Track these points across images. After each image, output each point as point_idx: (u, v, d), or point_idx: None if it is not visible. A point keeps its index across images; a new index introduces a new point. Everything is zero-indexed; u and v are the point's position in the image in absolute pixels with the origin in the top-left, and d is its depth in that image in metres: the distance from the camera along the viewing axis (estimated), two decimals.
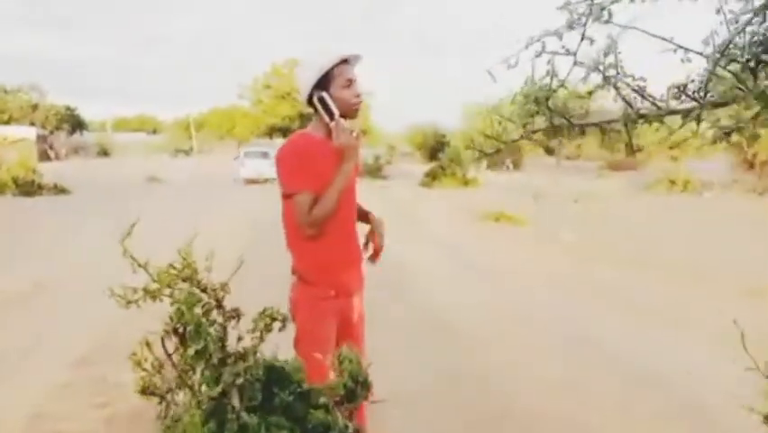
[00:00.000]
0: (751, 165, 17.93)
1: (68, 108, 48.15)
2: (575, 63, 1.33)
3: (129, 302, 1.20)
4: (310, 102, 2.17)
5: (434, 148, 33.66)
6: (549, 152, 43.06)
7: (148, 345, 1.25)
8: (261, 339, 1.20)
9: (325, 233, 2.14)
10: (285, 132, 47.79)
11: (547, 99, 1.37)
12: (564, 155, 41.80)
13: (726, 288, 6.41)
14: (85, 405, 3.42)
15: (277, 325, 1.26)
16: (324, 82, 2.14)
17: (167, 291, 1.24)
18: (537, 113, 1.45)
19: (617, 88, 1.45)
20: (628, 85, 1.53)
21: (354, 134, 2.18)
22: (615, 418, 3.34)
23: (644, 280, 6.87)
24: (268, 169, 19.99)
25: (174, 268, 1.24)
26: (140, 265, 1.23)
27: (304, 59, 2.26)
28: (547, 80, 1.49)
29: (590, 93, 1.55)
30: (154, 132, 78.29)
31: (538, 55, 1.30)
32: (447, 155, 21.61)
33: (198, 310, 1.20)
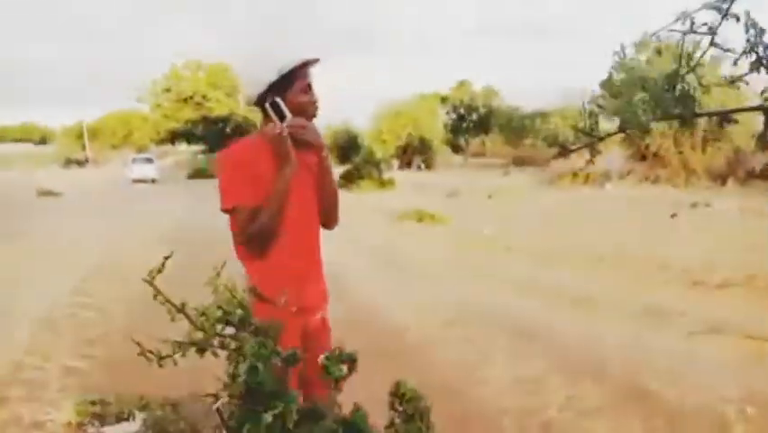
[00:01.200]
0: (643, 156, 19.34)
1: None
2: (712, 43, 1.21)
3: (162, 358, 1.04)
4: (259, 104, 2.01)
5: (347, 149, 33.61)
6: (456, 150, 44.39)
7: None
8: (338, 389, 1.06)
9: (280, 245, 1.99)
10: (188, 137, 45.91)
11: (674, 86, 1.26)
12: (470, 153, 43.22)
13: (642, 269, 6.89)
14: None
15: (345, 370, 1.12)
16: (281, 85, 1.97)
17: (215, 341, 1.07)
18: (658, 102, 1.32)
19: None
20: None
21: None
22: (565, 403, 3.47)
23: (566, 269, 7.22)
24: (151, 172, 28.96)
25: (221, 308, 1.07)
26: (178, 309, 1.06)
27: (255, 56, 2.08)
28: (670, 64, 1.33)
29: (735, 80, 1.41)
30: (42, 142, 72.62)
31: (687, 33, 1.17)
32: (361, 156, 21.65)
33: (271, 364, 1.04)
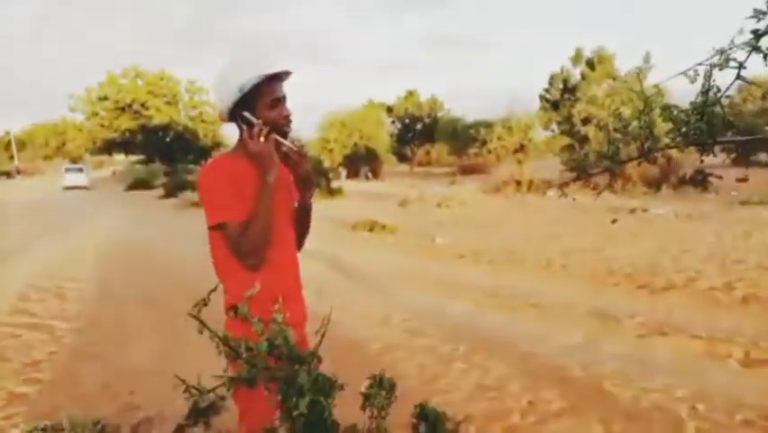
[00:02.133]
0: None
1: None
2: (738, 77, 1.22)
3: (207, 392, 0.97)
4: (233, 120, 1.99)
5: None
6: (402, 159, 44.80)
7: None
8: (382, 417, 1.02)
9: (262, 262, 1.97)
10: (126, 147, 44.44)
11: (701, 116, 1.27)
12: (416, 162, 43.71)
13: (590, 273, 7.12)
14: None
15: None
16: (248, 101, 1.95)
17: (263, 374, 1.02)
18: (679, 130, 1.32)
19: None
20: None
21: (297, 147, 2.05)
22: (527, 407, 3.54)
23: (518, 274, 7.39)
24: (82, 180, 33.54)
25: (269, 341, 1.01)
26: (224, 342, 0.99)
27: (220, 73, 2.02)
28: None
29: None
30: None
31: (721, 68, 1.18)
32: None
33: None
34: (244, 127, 1.95)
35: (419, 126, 42.89)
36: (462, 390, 3.89)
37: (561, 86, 27.76)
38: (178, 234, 12.38)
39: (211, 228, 1.95)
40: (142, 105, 40.89)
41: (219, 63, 2.06)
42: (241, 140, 2.00)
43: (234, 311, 1.97)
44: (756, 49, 1.11)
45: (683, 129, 1.29)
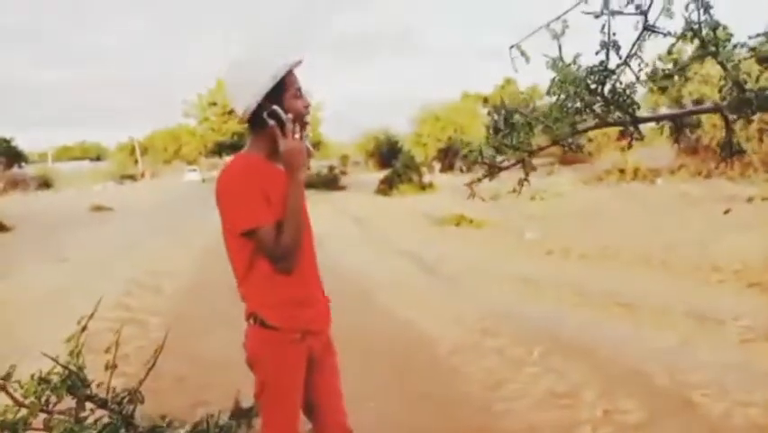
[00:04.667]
0: (695, 150, 18.47)
1: (3, 140, 45.89)
2: (645, 28, 1.00)
3: None
4: (251, 118, 1.88)
5: (387, 155, 33.54)
6: (499, 151, 43.60)
7: None
8: None
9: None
10: (235, 149, 46.89)
11: (602, 84, 1.05)
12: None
13: (693, 270, 6.50)
14: None
15: None
16: (274, 92, 1.84)
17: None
18: (585, 107, 1.12)
19: (721, 63, 1.07)
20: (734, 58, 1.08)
21: (306, 144, 1.91)
22: (602, 418, 3.24)
23: (611, 272, 6.89)
24: (197, 177, 45.78)
25: (46, 380, 0.91)
26: None
27: (240, 64, 1.93)
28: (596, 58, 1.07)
29: (671, 74, 1.19)
30: (98, 159, 75.61)
31: (598, 16, 0.98)
32: (401, 161, 21.49)
33: None
34: (272, 123, 1.84)
35: (517, 117, 41.62)
36: (531, 396, 3.63)
37: (670, 65, 25.61)
38: None
39: (236, 235, 1.85)
40: None
41: (230, 61, 1.98)
42: (258, 138, 1.91)
43: (254, 319, 1.94)
44: None
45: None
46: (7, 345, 5.29)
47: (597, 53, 1.01)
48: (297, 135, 1.86)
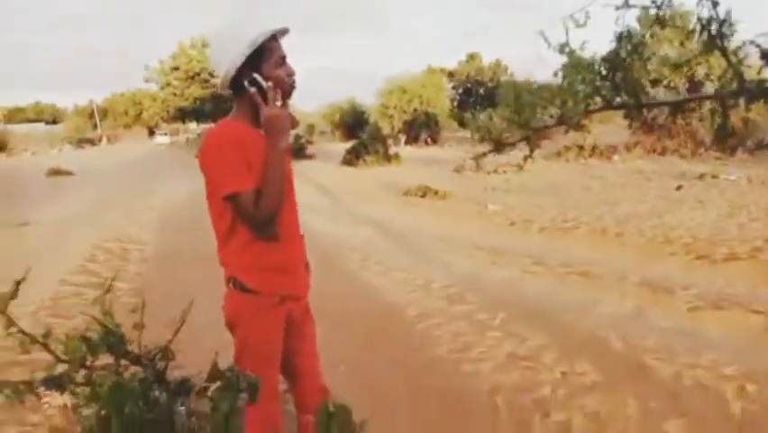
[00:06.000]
0: (650, 128, 19.01)
1: None
2: (657, 20, 1.07)
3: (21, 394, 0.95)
4: (234, 84, 1.90)
5: (354, 125, 33.36)
6: (462, 124, 43.86)
7: None
8: (229, 426, 0.96)
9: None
10: (197, 114, 45.80)
11: (614, 71, 1.12)
12: (476, 127, 42.64)
13: (646, 242, 6.80)
14: None
15: (243, 399, 1.02)
16: (254, 60, 1.86)
17: (80, 375, 0.98)
18: (597, 90, 1.19)
19: (726, 55, 1.14)
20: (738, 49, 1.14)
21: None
22: (560, 379, 3.44)
23: (569, 243, 7.15)
24: (167, 140, 46.93)
25: (87, 338, 0.98)
26: (35, 340, 0.97)
27: (221, 32, 1.95)
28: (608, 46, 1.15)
29: (689, 62, 1.26)
30: (54, 122, 72.77)
31: (618, 8, 1.03)
32: (368, 132, 21.44)
33: (134, 408, 0.95)
34: (252, 91, 1.86)
35: (481, 91, 41.80)
36: (494, 359, 3.82)
37: (628, 46, 26.02)
38: None
39: (216, 198, 1.88)
40: (210, 74, 41.90)
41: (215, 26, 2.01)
42: (241, 105, 1.93)
43: (234, 283, 1.97)
44: None
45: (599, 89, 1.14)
46: None
47: (611, 42, 1.10)
48: (278, 103, 1.87)
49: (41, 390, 0.94)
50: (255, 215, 1.83)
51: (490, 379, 3.52)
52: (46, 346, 0.93)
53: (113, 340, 0.97)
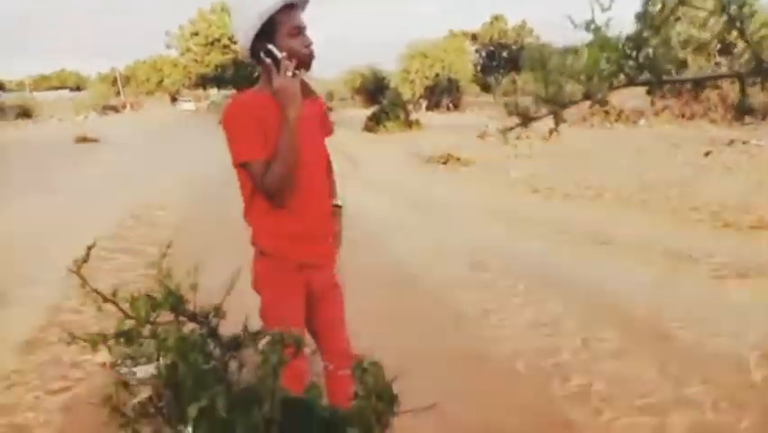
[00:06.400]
0: (679, 92, 18.56)
1: None
2: (680, 1, 1.08)
3: (96, 344, 1.04)
4: (255, 56, 1.92)
5: (374, 91, 33.09)
6: (485, 89, 43.29)
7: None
8: (275, 376, 1.02)
9: (290, 199, 1.95)
10: (218, 81, 45.81)
11: (638, 50, 1.13)
12: (501, 91, 42.10)
13: (672, 209, 6.73)
14: None
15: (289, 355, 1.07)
16: (267, 31, 1.87)
17: (146, 330, 1.06)
18: (621, 68, 1.20)
19: (744, 36, 1.14)
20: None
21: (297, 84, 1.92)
22: (580, 345, 3.49)
23: (593, 210, 7.11)
24: (192, 106, 50.53)
25: (152, 297, 1.05)
26: (106, 299, 1.05)
27: (236, 4, 1.97)
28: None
29: (701, 46, 1.23)
30: (78, 88, 73.48)
31: None
32: (388, 98, 21.28)
33: (196, 357, 1.02)
34: (268, 62, 1.88)
35: (505, 54, 41.06)
36: (516, 326, 3.87)
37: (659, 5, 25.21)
38: None
39: (236, 166, 1.93)
40: (230, 39, 41.67)
41: None
42: (264, 76, 1.95)
43: (255, 246, 2.04)
44: None
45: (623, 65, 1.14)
46: (8, 274, 5.42)
47: (635, 21, 1.11)
48: (288, 74, 1.88)
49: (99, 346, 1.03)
50: (263, 184, 1.88)
51: (512, 343, 3.58)
52: (116, 304, 1.02)
53: (173, 299, 1.04)
